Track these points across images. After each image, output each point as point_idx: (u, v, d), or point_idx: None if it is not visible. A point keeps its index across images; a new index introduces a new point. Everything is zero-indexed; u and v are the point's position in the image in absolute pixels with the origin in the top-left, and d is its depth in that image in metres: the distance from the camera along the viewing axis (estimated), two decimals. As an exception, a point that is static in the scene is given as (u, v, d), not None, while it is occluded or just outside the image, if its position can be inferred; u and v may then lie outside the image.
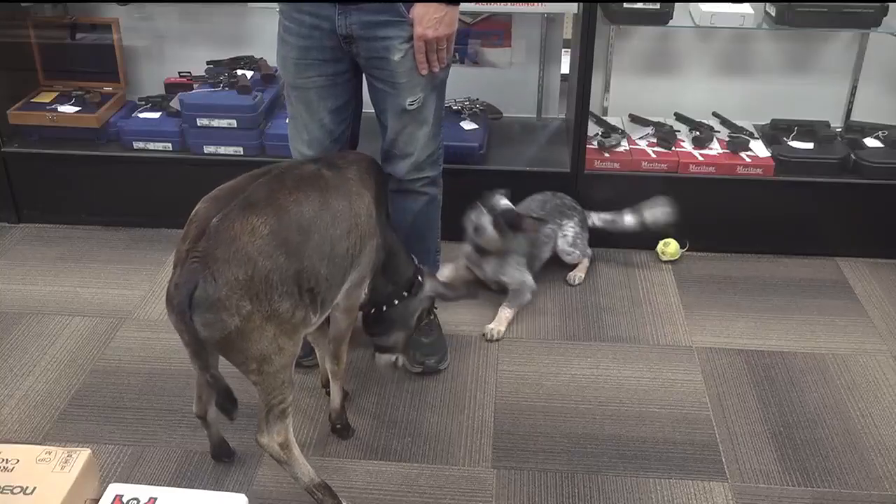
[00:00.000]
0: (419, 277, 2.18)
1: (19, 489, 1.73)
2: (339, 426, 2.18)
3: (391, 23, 2.02)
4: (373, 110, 2.21)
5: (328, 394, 2.24)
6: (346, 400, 2.21)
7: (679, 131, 3.03)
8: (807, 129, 3.00)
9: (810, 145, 2.95)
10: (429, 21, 1.99)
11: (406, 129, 2.15)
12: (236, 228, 1.67)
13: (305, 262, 1.75)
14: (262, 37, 3.19)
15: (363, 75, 2.18)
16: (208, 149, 2.99)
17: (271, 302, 1.68)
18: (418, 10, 1.99)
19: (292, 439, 1.85)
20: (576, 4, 2.84)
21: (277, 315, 1.70)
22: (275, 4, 2.16)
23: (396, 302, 2.15)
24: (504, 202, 2.60)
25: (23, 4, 3.13)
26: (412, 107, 2.11)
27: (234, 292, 1.64)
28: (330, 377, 2.14)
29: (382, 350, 2.22)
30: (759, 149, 2.93)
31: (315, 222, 1.79)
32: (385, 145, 2.22)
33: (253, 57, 3.21)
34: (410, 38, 2.03)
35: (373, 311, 2.15)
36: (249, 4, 3.03)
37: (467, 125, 3.04)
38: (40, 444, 2.09)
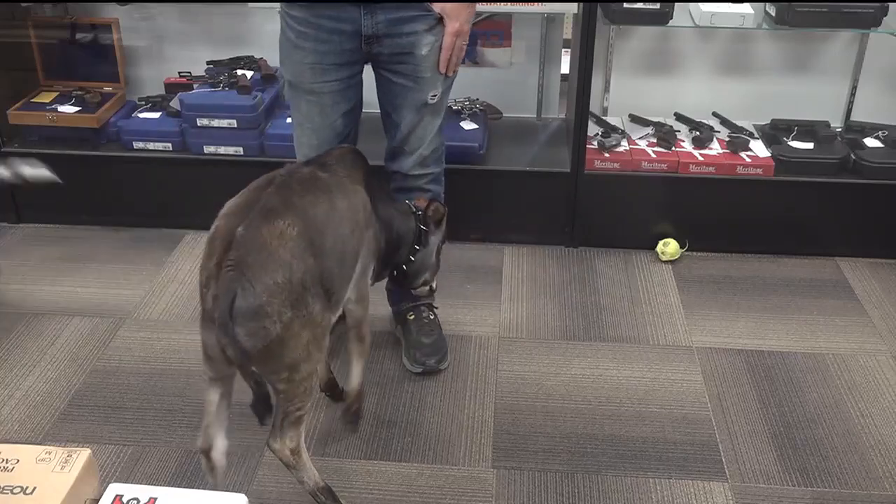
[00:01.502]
0: (422, 227, 2.17)
1: (19, 489, 1.72)
2: (354, 408, 2.16)
3: (418, 17, 2.04)
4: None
5: (329, 396, 2.24)
6: (347, 398, 2.21)
7: (679, 131, 3.03)
8: (807, 129, 3.00)
9: (810, 145, 2.95)
10: (465, 16, 2.04)
11: (422, 123, 2.17)
12: (264, 234, 1.64)
13: (326, 263, 1.74)
14: (262, 37, 3.19)
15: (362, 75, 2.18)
16: (208, 149, 2.98)
17: (307, 306, 1.67)
18: (452, 7, 2.02)
19: (303, 445, 1.83)
20: (576, 4, 2.84)
21: (312, 319, 1.69)
22: (275, 4, 2.16)
23: (413, 258, 2.16)
24: None
25: (23, 4, 3.13)
26: (433, 100, 2.14)
27: (274, 298, 1.61)
28: (355, 358, 2.11)
29: (416, 287, 2.27)
30: (759, 149, 2.93)
31: (327, 223, 1.78)
32: (395, 142, 2.23)
33: (253, 57, 3.20)
34: (434, 32, 2.05)
35: (395, 273, 2.17)
36: (249, 4, 3.03)
37: (467, 125, 3.04)
38: (40, 444, 2.08)
